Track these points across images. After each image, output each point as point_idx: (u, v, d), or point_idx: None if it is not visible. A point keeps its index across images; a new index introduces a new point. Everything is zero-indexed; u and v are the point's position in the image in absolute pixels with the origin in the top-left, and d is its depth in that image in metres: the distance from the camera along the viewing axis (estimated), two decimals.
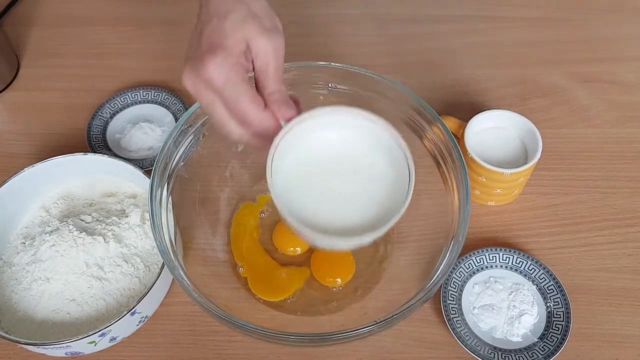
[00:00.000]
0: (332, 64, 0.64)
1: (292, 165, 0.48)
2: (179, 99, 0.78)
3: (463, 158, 0.56)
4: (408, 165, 0.47)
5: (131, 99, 0.79)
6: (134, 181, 0.68)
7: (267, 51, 0.47)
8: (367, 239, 0.46)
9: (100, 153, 0.69)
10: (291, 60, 0.64)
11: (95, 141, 0.75)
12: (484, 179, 0.66)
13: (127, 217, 0.64)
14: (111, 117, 0.78)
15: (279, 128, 0.47)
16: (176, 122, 0.75)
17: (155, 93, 0.79)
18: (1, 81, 0.82)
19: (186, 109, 0.76)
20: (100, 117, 0.77)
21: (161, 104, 0.79)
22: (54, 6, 0.93)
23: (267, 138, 0.48)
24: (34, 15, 0.91)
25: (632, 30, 0.88)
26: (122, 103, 0.79)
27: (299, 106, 0.49)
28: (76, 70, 0.84)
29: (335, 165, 0.49)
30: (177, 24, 0.89)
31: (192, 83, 0.46)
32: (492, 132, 0.70)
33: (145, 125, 0.76)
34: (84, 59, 0.86)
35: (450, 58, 0.84)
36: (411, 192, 0.46)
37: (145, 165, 0.72)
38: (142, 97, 0.79)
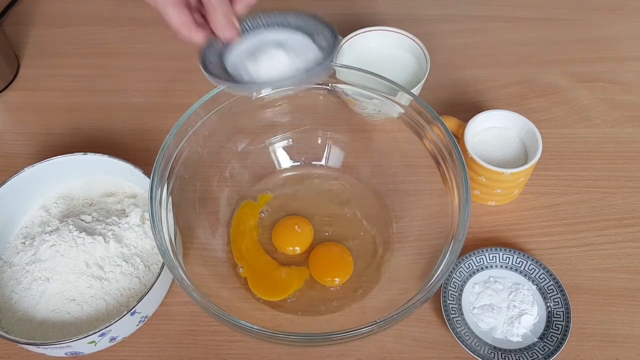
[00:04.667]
0: (332, 64, 0.64)
1: (351, 59, 0.76)
2: None
3: (463, 158, 0.56)
4: (424, 54, 0.75)
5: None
6: (134, 181, 0.68)
7: None
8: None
9: (100, 153, 0.68)
10: None
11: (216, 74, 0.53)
12: (483, 179, 0.66)
13: (127, 217, 0.64)
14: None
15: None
16: None
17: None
18: (1, 81, 0.82)
19: None
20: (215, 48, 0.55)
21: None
22: (54, 6, 0.93)
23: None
24: (34, 15, 0.91)
25: (632, 30, 0.88)
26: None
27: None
28: (76, 70, 0.84)
29: (378, 58, 0.77)
30: None
31: None
32: (492, 132, 0.70)
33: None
34: (84, 59, 0.86)
35: (450, 58, 0.84)
36: (428, 68, 0.73)
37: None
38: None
